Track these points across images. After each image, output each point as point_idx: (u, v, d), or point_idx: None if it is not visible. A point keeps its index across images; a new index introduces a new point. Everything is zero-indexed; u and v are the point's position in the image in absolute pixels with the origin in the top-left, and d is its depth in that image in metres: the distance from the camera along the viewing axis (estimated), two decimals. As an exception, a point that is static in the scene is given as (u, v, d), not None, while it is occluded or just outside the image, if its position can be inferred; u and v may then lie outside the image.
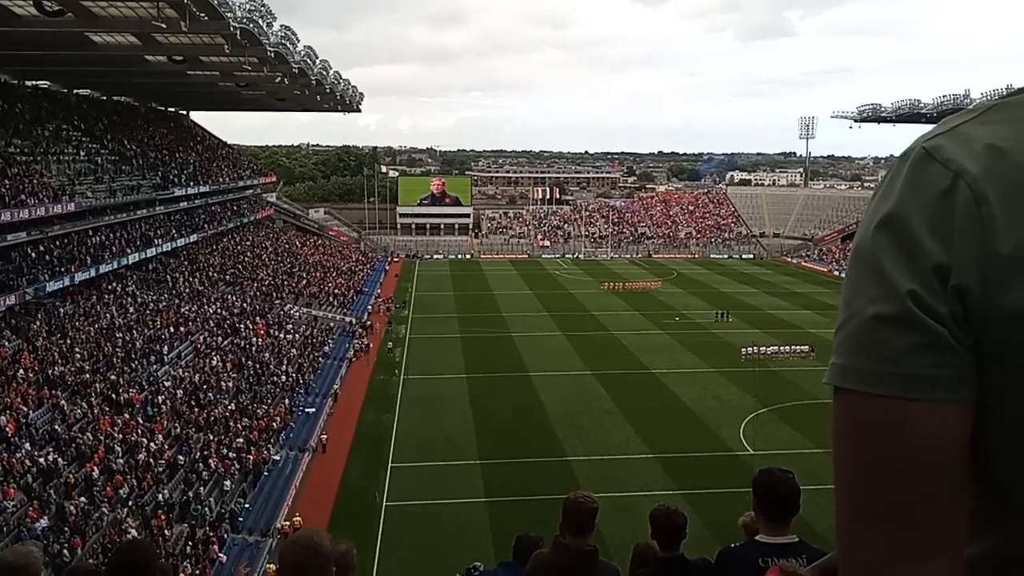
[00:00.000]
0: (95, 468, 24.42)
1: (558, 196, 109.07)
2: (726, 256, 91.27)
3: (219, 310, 45.52)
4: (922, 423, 0.82)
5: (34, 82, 50.19)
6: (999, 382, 0.82)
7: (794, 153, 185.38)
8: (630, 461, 29.19)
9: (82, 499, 22.77)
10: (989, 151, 0.82)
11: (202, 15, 33.94)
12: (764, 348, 42.89)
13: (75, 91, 54.84)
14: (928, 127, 0.92)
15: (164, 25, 33.45)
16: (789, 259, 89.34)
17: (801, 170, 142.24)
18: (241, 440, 29.43)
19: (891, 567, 0.83)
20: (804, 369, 39.84)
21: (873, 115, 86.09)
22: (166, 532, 22.74)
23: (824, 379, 0.91)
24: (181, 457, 27.23)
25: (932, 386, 0.82)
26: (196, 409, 31.19)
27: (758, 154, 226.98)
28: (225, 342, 40.44)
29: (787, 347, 43.74)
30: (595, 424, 33.27)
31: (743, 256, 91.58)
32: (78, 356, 31.88)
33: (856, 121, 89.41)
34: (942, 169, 0.83)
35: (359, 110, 75.32)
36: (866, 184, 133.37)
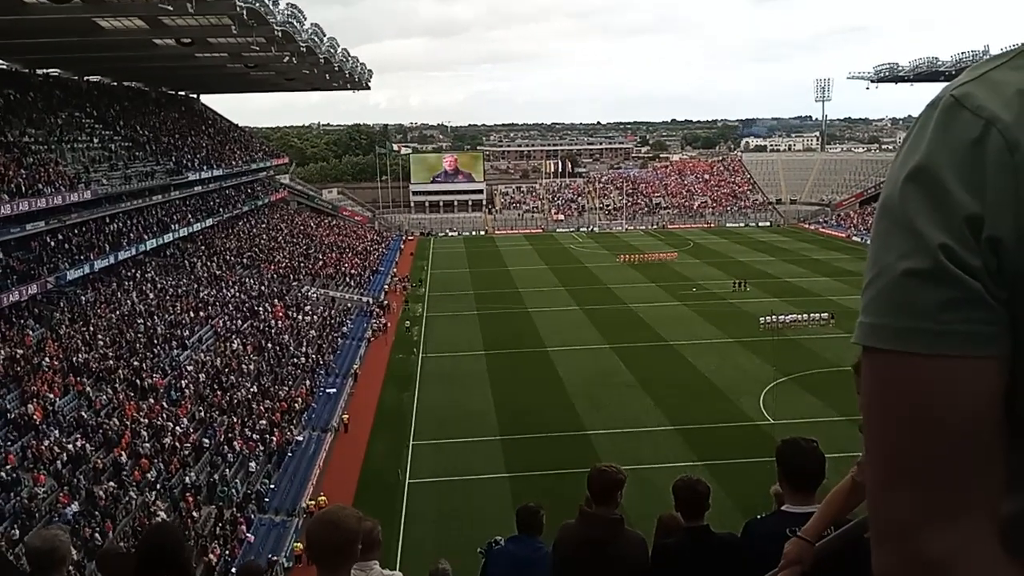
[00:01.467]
0: (123, 453, 24.84)
1: (571, 169, 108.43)
2: (742, 224, 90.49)
3: (237, 293, 45.87)
4: (956, 380, 0.81)
5: (45, 70, 50.35)
6: None
7: (810, 117, 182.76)
8: (650, 433, 29.25)
9: (111, 484, 23.19)
10: (1021, 97, 0.81)
11: (208, -4, 33.82)
12: (783, 316, 42.69)
13: (86, 78, 54.98)
14: (947, 85, 0.87)
15: (171, 7, 33.38)
16: (807, 225, 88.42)
17: (817, 134, 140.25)
18: (264, 422, 29.79)
19: (925, 524, 0.82)
20: (824, 337, 39.59)
21: (890, 75, 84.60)
22: (194, 514, 23.15)
23: (853, 338, 0.88)
24: (206, 440, 27.61)
25: (966, 342, 0.80)
26: (219, 392, 31.56)
27: (773, 119, 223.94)
28: (245, 325, 40.80)
29: (806, 315, 43.45)
30: (614, 397, 33.32)
31: (759, 224, 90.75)
32: (101, 343, 32.29)
33: (873, 82, 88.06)
34: (972, 117, 0.82)
35: (368, 87, 74.98)
36: (884, 146, 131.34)
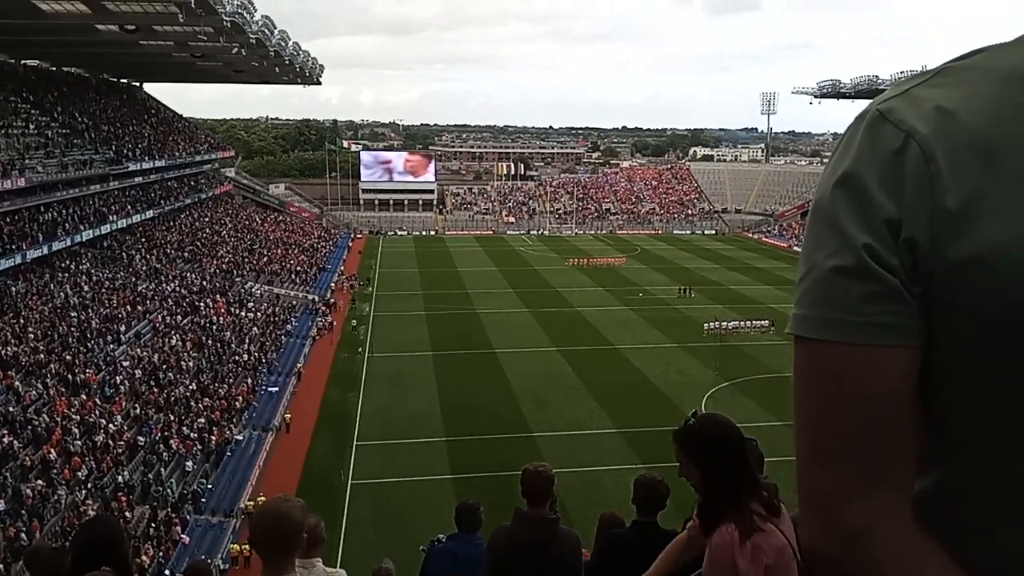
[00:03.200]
0: (52, 450, 23.94)
1: (523, 172, 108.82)
2: (689, 232, 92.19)
3: (178, 288, 44.66)
4: (875, 367, 0.88)
5: (-22, 52, 48.26)
6: (943, 328, 0.88)
7: (756, 129, 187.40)
8: (595, 436, 29.54)
9: (39, 482, 22.33)
10: (937, 112, 0.87)
11: (155, -17, 32.91)
12: (726, 323, 43.61)
13: (23, 62, 52.89)
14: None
15: (115, -7, 32.36)
16: (750, 235, 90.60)
17: (763, 146, 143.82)
18: (203, 420, 29.06)
19: (845, 498, 0.90)
20: (764, 343, 40.60)
21: (833, 91, 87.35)
22: (127, 514, 22.42)
23: (787, 328, 0.96)
24: (141, 438, 26.81)
25: (884, 332, 0.88)
26: (156, 389, 30.67)
27: (721, 130, 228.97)
28: (185, 321, 39.74)
29: (748, 322, 44.49)
30: (560, 400, 33.56)
31: (705, 232, 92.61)
32: (32, 336, 31.06)
33: (816, 97, 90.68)
34: (894, 130, 0.89)
35: (319, 83, 74.03)
36: (825, 160, 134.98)
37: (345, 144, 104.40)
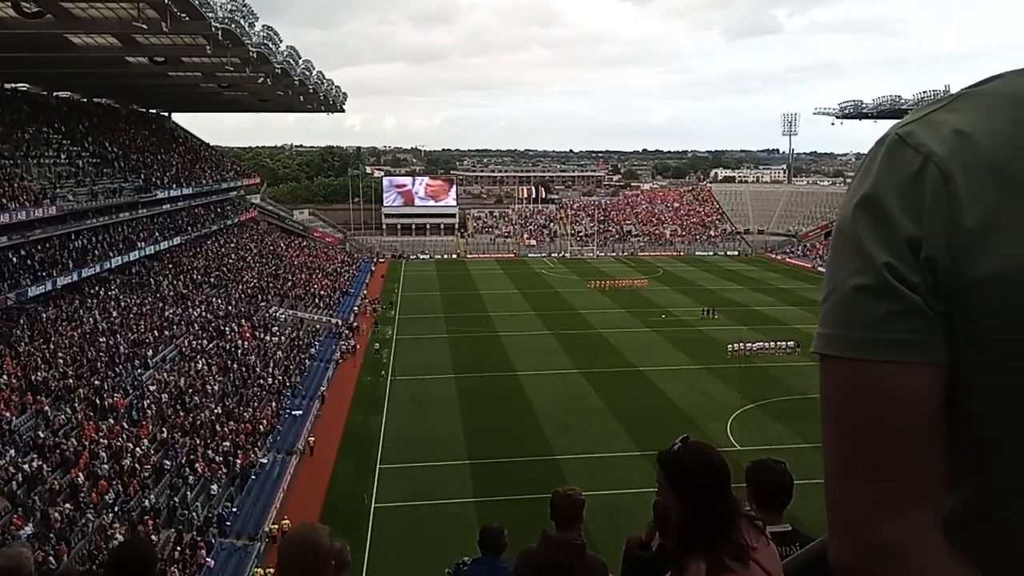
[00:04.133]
0: (80, 474, 24.19)
1: (543, 195, 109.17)
2: (711, 253, 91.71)
3: (204, 313, 45.20)
4: (899, 384, 0.89)
5: (13, 85, 49.63)
6: (967, 345, 0.89)
7: (777, 150, 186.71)
8: (618, 459, 29.27)
9: (67, 506, 22.54)
10: (956, 136, 0.90)
11: (183, 15, 33.74)
12: (750, 344, 43.20)
13: (55, 93, 54.29)
14: (909, 123, 0.99)
15: (145, 26, 33.23)
16: (773, 255, 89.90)
17: (784, 167, 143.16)
18: (228, 444, 29.24)
19: (875, 515, 0.90)
20: (790, 365, 40.10)
21: (855, 111, 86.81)
22: (153, 537, 22.52)
23: (811, 348, 0.98)
24: (167, 462, 27.02)
25: (907, 349, 0.89)
26: (182, 413, 30.96)
27: (742, 151, 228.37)
28: (210, 345, 40.17)
29: (773, 343, 44.02)
30: (583, 422, 33.33)
31: (728, 253, 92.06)
32: (61, 361, 31.56)
33: (838, 117, 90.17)
34: (913, 153, 0.91)
35: (343, 110, 75.03)
36: (848, 180, 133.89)
37: (368, 170, 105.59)
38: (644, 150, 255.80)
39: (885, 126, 0.99)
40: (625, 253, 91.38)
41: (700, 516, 2.15)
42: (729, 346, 42.48)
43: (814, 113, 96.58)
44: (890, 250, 0.90)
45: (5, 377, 28.22)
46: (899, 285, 0.89)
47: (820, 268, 76.32)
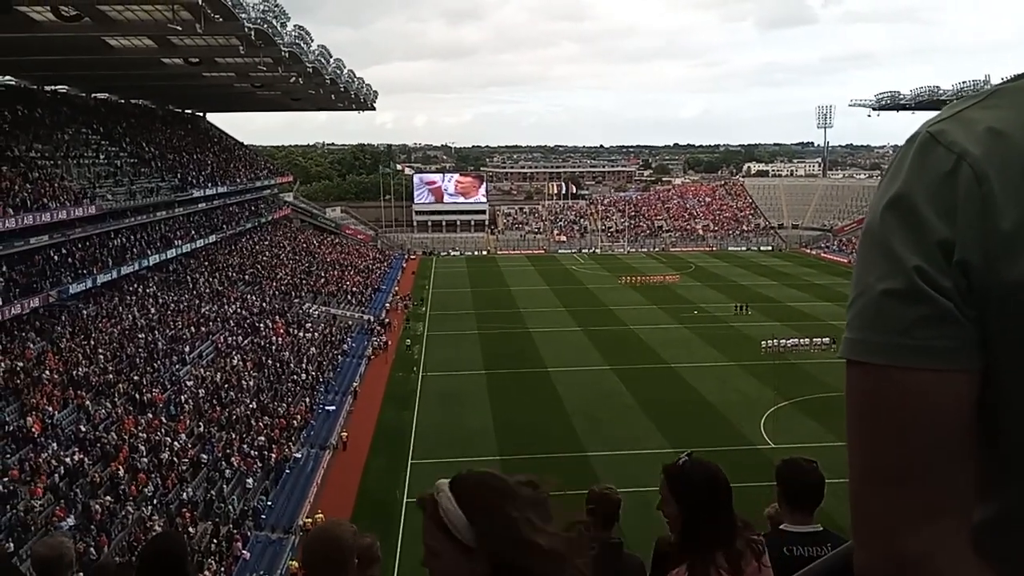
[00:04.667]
0: (120, 467, 24.75)
1: (574, 191, 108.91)
2: (744, 248, 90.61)
3: (239, 310, 45.92)
4: (930, 391, 0.86)
5: (53, 87, 50.81)
6: (1002, 351, 0.86)
7: (812, 143, 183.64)
8: (649, 456, 29.01)
9: (108, 498, 23.09)
10: (990, 134, 0.86)
11: (217, 17, 34.20)
12: (784, 340, 42.60)
13: (93, 95, 55.47)
14: (949, 113, 0.95)
15: (179, 27, 33.75)
16: (808, 250, 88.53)
17: (819, 160, 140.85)
18: (263, 438, 29.70)
19: (900, 525, 0.88)
20: (825, 361, 39.45)
21: (892, 103, 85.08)
22: (190, 530, 22.98)
23: (838, 353, 0.95)
24: (204, 456, 27.52)
25: (939, 356, 0.86)
26: (218, 408, 31.51)
27: (776, 144, 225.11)
28: (245, 341, 40.80)
29: (807, 339, 43.34)
30: (614, 419, 33.20)
31: (761, 248, 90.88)
32: (102, 357, 32.30)
33: (874, 109, 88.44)
34: (945, 152, 0.87)
35: (374, 108, 75.59)
36: (884, 171, 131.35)
37: (399, 167, 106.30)
38: (675, 144, 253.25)
39: (923, 118, 0.95)
40: (656, 249, 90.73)
41: (699, 528, 2.17)
42: (763, 342, 41.95)
43: (850, 105, 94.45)
44: (921, 253, 0.86)
45: (48, 372, 28.96)
46: (930, 290, 0.85)
47: (855, 259, 75.05)
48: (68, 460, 24.07)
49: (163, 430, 28.09)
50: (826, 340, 42.47)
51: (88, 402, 28.19)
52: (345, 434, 32.22)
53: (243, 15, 35.47)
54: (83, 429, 26.35)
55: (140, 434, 27.24)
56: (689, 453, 2.36)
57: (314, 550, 2.56)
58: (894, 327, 0.87)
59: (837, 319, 48.26)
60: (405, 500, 26.13)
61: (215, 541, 22.97)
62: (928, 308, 0.86)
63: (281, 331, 43.98)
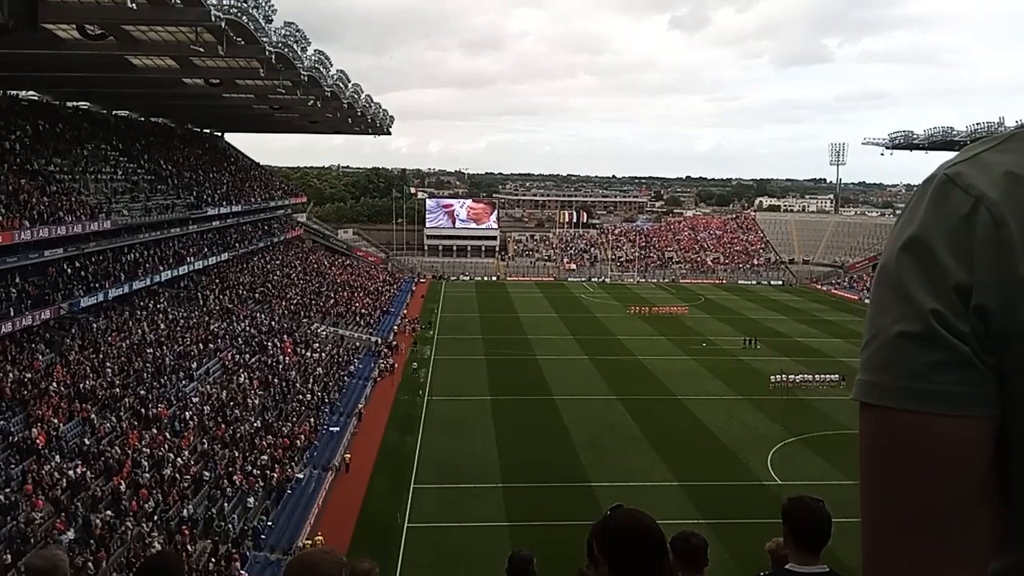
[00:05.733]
0: (122, 482, 24.69)
1: (585, 220, 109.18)
2: (754, 282, 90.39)
3: (247, 328, 46.03)
4: (945, 438, 0.85)
5: (75, 103, 51.62)
6: (1020, 399, 0.84)
7: (824, 180, 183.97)
8: (654, 488, 28.79)
9: (108, 512, 23.00)
10: (1008, 178, 0.85)
11: (239, 40, 34.78)
12: (793, 376, 42.28)
13: (114, 112, 56.29)
14: (962, 155, 0.94)
15: (202, 49, 34.33)
16: (819, 286, 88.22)
17: (831, 196, 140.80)
18: (266, 457, 29.58)
19: (914, 574, 0.86)
20: (834, 398, 39.15)
21: (905, 142, 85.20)
22: (189, 547, 22.83)
23: (851, 395, 0.93)
24: (206, 473, 27.42)
25: (954, 402, 0.84)
26: (222, 425, 31.44)
27: (788, 180, 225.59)
28: (253, 359, 40.83)
29: (816, 375, 43.04)
30: (619, 450, 32.93)
31: (771, 282, 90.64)
32: (109, 371, 32.38)
33: (888, 148, 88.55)
34: (963, 195, 0.87)
35: (389, 133, 76.34)
36: (897, 211, 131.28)
37: (412, 191, 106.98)
38: (688, 177, 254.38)
39: (936, 157, 0.96)
40: (666, 280, 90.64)
41: None
42: (771, 377, 41.65)
43: (863, 143, 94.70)
44: (938, 297, 0.85)
45: (55, 384, 29.05)
46: (947, 334, 0.84)
47: (867, 300, 73.83)
48: (71, 473, 24.03)
49: (167, 446, 28.03)
50: (835, 377, 42.17)
51: (93, 415, 28.21)
52: (348, 456, 32.06)
53: (265, 39, 36.06)
54: (87, 442, 26.34)
55: (144, 449, 27.18)
56: (617, 506, 2.24)
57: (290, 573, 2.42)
58: (910, 371, 0.85)
59: (846, 356, 47.92)
60: (406, 525, 25.92)
61: (213, 560, 22.78)
62: (945, 352, 0.84)
63: (289, 350, 44.02)
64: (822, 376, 42.81)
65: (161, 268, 44.88)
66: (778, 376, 41.51)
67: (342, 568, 2.40)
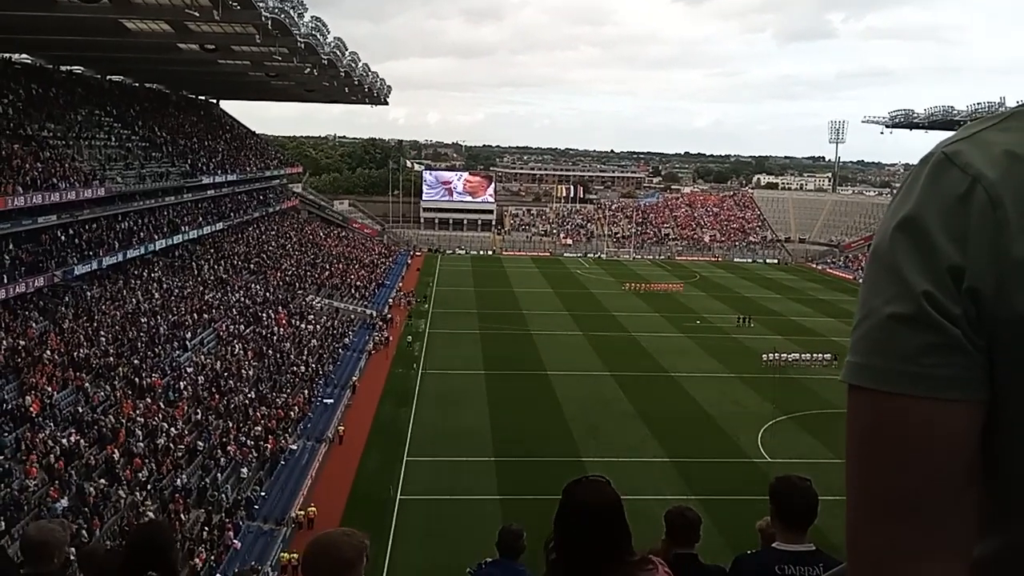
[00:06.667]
0: (116, 451, 24.79)
1: (582, 195, 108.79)
2: (750, 260, 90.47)
3: (242, 298, 45.98)
4: (933, 421, 0.84)
5: (68, 67, 50.98)
6: (1010, 383, 0.84)
7: (823, 157, 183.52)
8: (645, 464, 29.05)
9: (102, 481, 23.12)
10: (1007, 157, 0.84)
11: (235, 4, 34.25)
12: (785, 355, 42.48)
13: (108, 77, 55.63)
14: (961, 134, 0.92)
15: (197, 13, 33.87)
16: (814, 265, 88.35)
17: (830, 175, 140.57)
18: (259, 428, 29.71)
19: (898, 560, 0.86)
20: (826, 377, 39.33)
21: (905, 121, 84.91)
22: (182, 517, 23.03)
23: (840, 376, 0.91)
24: (200, 443, 27.55)
25: (945, 385, 0.84)
26: (216, 396, 31.53)
27: (786, 157, 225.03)
28: (247, 330, 40.83)
29: (809, 354, 43.26)
30: (611, 425, 33.15)
31: (767, 261, 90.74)
32: (103, 340, 32.36)
33: (887, 126, 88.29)
34: (960, 174, 0.86)
35: (386, 103, 75.69)
36: (895, 191, 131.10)
37: (409, 163, 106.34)
38: (686, 153, 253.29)
39: (935, 136, 0.91)
40: (662, 256, 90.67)
41: (581, 552, 2.03)
42: (764, 355, 41.85)
43: (863, 121, 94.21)
44: (930, 278, 0.83)
45: (49, 352, 29.02)
46: (939, 316, 0.83)
47: (861, 280, 74.89)
48: (65, 441, 24.11)
49: (161, 415, 28.11)
50: (828, 356, 42.37)
51: (87, 384, 28.23)
52: (342, 428, 32.23)
53: (261, 4, 35.50)
54: (81, 411, 26.40)
55: (138, 418, 27.27)
56: (586, 476, 2.23)
57: (311, 553, 2.35)
58: (900, 353, 0.84)
59: (840, 335, 48.13)
60: (399, 497, 26.13)
61: (207, 529, 22.98)
62: (936, 335, 0.83)
63: (283, 322, 44.02)
64: (814, 355, 43.03)
65: (156, 237, 44.66)
66: (771, 354, 41.71)
67: (363, 551, 2.38)
